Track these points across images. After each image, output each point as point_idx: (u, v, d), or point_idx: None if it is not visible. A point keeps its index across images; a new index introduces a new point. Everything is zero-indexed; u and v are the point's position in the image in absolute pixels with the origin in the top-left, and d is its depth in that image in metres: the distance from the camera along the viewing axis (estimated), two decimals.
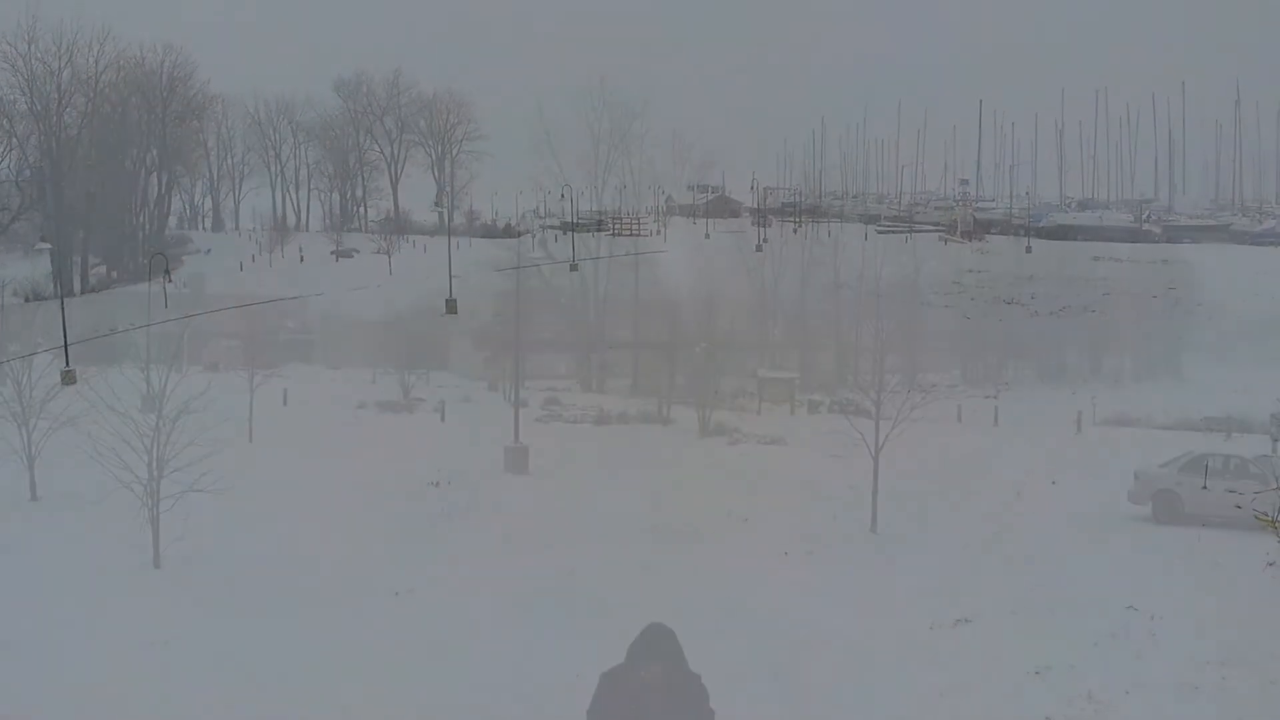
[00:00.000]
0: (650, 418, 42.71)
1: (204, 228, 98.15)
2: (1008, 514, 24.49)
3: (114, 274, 73.08)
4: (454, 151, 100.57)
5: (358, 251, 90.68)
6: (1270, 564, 18.96)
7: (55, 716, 11.17)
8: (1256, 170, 79.56)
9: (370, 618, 14.55)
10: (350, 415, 41.77)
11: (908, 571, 18.32)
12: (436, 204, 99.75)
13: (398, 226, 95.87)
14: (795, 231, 68.23)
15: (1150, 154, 79.31)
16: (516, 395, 33.24)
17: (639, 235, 63.77)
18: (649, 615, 7.22)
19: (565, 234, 60.81)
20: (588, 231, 63.63)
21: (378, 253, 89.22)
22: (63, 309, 24.25)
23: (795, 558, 19.38)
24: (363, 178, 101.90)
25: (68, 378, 22.82)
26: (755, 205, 69.32)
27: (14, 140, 76.78)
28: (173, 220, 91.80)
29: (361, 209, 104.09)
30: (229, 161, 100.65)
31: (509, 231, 61.45)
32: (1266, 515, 21.24)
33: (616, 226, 64.24)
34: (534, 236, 63.10)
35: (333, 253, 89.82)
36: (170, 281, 42.32)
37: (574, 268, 62.35)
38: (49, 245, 63.45)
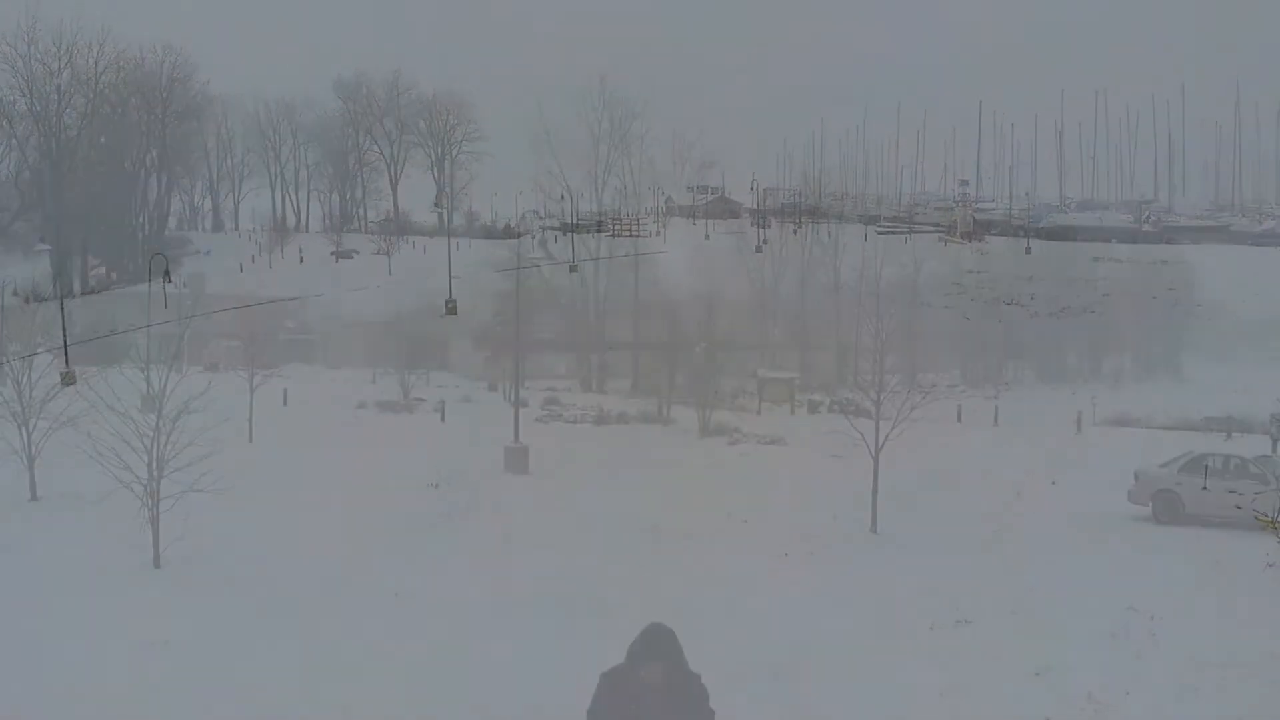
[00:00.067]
0: (650, 418, 42.72)
1: (204, 229, 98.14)
2: (1008, 514, 24.49)
3: (113, 275, 73.11)
4: (454, 152, 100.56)
5: (357, 252, 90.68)
6: (1270, 565, 18.98)
7: (55, 716, 11.17)
8: (1256, 171, 79.43)
9: (370, 618, 14.55)
10: (350, 415, 41.77)
11: (908, 572, 18.31)
12: (436, 205, 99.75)
13: (397, 227, 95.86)
14: (795, 232, 68.25)
15: (1150, 155, 79.14)
16: (516, 395, 33.24)
17: (639, 236, 63.79)
18: (648, 615, 7.22)
19: (565, 234, 60.86)
20: (587, 232, 63.66)
21: (377, 253, 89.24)
22: (62, 310, 24.27)
23: (795, 558, 19.37)
24: (362, 178, 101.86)
25: (67, 378, 22.85)
26: (755, 206, 69.36)
27: (14, 141, 76.81)
28: (172, 221, 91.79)
29: (361, 210, 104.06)
30: (229, 162, 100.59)
31: (509, 232, 61.42)
32: (1266, 516, 21.32)
33: (616, 227, 64.26)
34: (534, 237, 63.13)
35: (332, 253, 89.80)
36: (170, 282, 42.33)
37: (574, 268, 62.41)
38: (49, 246, 63.50)
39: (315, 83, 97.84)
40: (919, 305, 67.46)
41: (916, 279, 69.61)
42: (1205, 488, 24.60)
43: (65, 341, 24.04)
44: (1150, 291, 73.42)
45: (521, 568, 17.61)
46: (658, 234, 64.90)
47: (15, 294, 40.74)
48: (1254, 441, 36.82)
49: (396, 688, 12.05)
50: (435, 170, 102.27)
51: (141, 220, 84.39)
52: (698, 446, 37.19)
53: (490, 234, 69.13)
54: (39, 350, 26.17)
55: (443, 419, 41.15)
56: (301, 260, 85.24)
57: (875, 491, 21.80)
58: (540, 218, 67.15)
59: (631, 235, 63.90)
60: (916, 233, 71.40)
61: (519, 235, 33.44)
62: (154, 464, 17.28)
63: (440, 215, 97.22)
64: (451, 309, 53.78)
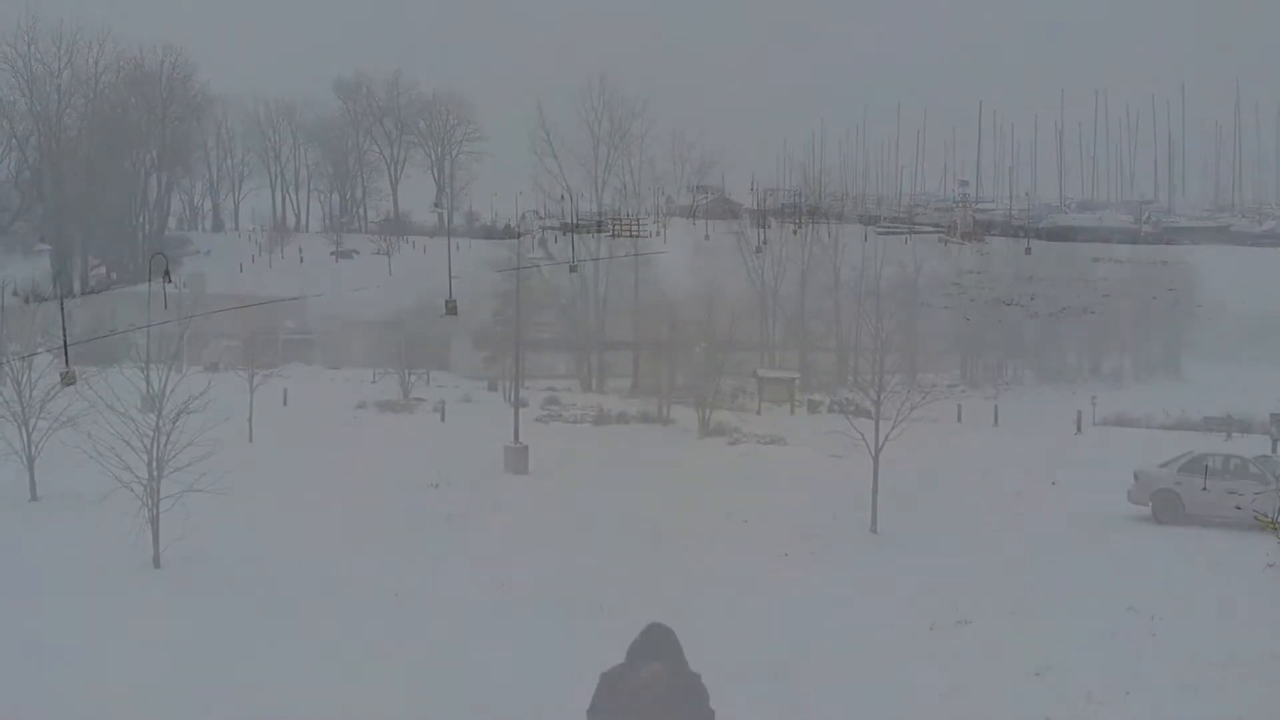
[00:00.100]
0: (650, 418, 42.74)
1: (204, 228, 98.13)
2: (1008, 514, 24.50)
3: (113, 275, 73.09)
4: (454, 152, 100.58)
5: (357, 252, 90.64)
6: (1270, 565, 18.98)
7: (55, 716, 11.16)
8: (1256, 171, 79.35)
9: (370, 618, 14.54)
10: (350, 415, 41.78)
11: (908, 572, 18.31)
12: (436, 205, 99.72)
13: (397, 227, 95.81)
14: (795, 233, 68.23)
15: (1150, 155, 79.10)
16: (516, 395, 33.24)
17: (639, 236, 63.74)
18: (648, 615, 7.22)
19: (565, 235, 60.82)
20: (587, 232, 63.62)
21: (377, 253, 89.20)
22: (62, 310, 24.23)
23: (795, 558, 19.37)
24: (362, 178, 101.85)
25: (67, 378, 22.84)
26: (755, 206, 69.31)
27: (14, 140, 76.81)
28: (172, 221, 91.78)
29: (361, 210, 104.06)
30: (229, 162, 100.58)
31: (509, 232, 61.41)
32: (1266, 516, 21.33)
33: (616, 228, 64.22)
34: (534, 237, 63.09)
35: (332, 253, 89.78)
36: (170, 282, 42.30)
37: (573, 269, 62.40)
38: (49, 246, 63.50)
39: (315, 83, 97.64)
40: (919, 305, 67.49)
41: (916, 279, 69.62)
42: (1205, 488, 24.61)
43: (65, 341, 24.03)
44: (1150, 292, 73.42)
45: (521, 568, 17.61)
46: (658, 234, 64.85)
47: (15, 294, 40.75)
48: (1254, 442, 36.85)
49: (396, 688, 12.05)
50: (435, 170, 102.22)
51: (141, 220, 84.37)
52: (698, 446, 37.19)
53: (490, 234, 69.06)
54: (39, 350, 26.18)
55: (443, 419, 41.16)
56: (301, 260, 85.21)
57: (875, 491, 21.80)
58: (540, 218, 67.10)
59: (631, 236, 63.86)
60: (916, 233, 71.36)
61: (519, 235, 33.36)
62: (154, 464, 17.27)
63: (440, 215, 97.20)
64: (451, 309, 53.77)
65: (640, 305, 60.94)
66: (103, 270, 75.35)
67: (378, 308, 68.30)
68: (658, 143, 66.48)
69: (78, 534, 18.08)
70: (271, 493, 22.92)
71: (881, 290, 66.43)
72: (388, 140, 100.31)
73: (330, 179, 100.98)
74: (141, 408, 20.19)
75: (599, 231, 63.99)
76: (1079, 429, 44.83)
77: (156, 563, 16.89)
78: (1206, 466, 25.03)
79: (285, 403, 39.99)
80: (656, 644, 6.67)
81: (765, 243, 68.04)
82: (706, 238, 66.11)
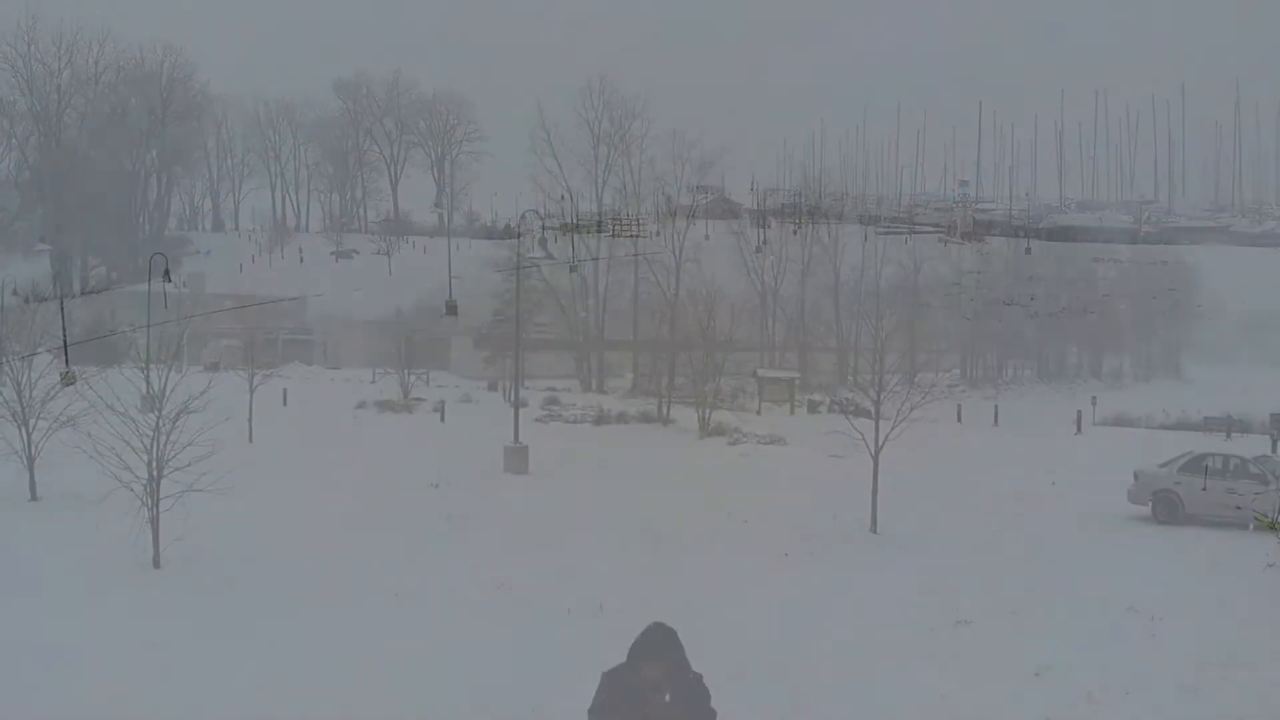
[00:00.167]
0: (650, 418, 42.76)
1: (204, 229, 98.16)
2: (1008, 514, 24.51)
3: (113, 275, 73.14)
4: (454, 152, 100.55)
5: (357, 252, 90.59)
6: (1270, 565, 18.98)
7: (54, 716, 11.16)
8: (1256, 171, 79.33)
9: (370, 618, 14.54)
10: (350, 415, 41.78)
11: (908, 572, 18.30)
12: (436, 205, 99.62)
13: (397, 227, 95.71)
14: (795, 233, 68.25)
15: (1150, 155, 79.10)
16: (516, 395, 33.24)
17: (639, 236, 63.75)
18: (648, 615, 7.21)
19: (565, 235, 60.79)
20: (588, 232, 63.64)
21: (377, 253, 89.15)
22: (62, 310, 24.23)
23: (795, 558, 19.36)
24: (362, 178, 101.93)
25: (67, 378, 22.85)
26: (755, 206, 69.35)
27: (14, 141, 76.83)
28: (172, 221, 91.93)
29: (361, 210, 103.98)
30: (229, 162, 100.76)
31: (509, 232, 61.44)
32: (1266, 516, 21.33)
33: (616, 228, 64.24)
34: (534, 237, 63.20)
35: (332, 253, 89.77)
36: (170, 282, 42.31)
37: (573, 269, 62.40)
38: (48, 246, 63.52)
39: (315, 83, 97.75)
40: (919, 305, 67.52)
41: (916, 279, 69.65)
42: (1205, 488, 24.62)
43: (65, 341, 24.04)
44: (1150, 292, 73.51)
45: (521, 568, 17.60)
46: (658, 234, 64.82)
47: (15, 293, 40.77)
48: (1254, 441, 36.87)
49: (396, 688, 12.05)
50: (435, 170, 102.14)
51: (141, 220, 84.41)
52: (697, 446, 37.21)
53: (490, 234, 69.18)
54: (39, 350, 26.18)
55: (442, 419, 41.16)
56: (301, 260, 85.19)
57: (875, 491, 21.79)
58: (540, 218, 67.27)
59: (631, 236, 63.87)
60: (916, 233, 71.37)
61: (519, 236, 33.40)
62: (154, 464, 17.26)
63: (440, 215, 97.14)
64: (452, 310, 53.82)
65: (640, 305, 60.99)
66: (103, 270, 75.39)
67: (377, 308, 68.27)
68: (658, 142, 66.54)
69: (78, 534, 18.07)
70: (271, 493, 22.93)
71: (881, 290, 66.50)
72: (388, 140, 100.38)
73: (330, 179, 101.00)
74: (141, 408, 20.17)
75: (599, 232, 64.02)
76: (1079, 429, 44.86)
77: (156, 563, 16.89)
78: (1206, 466, 25.04)
79: (285, 403, 40.00)
80: (658, 643, 6.67)
81: (765, 243, 68.06)
82: (707, 238, 66.12)
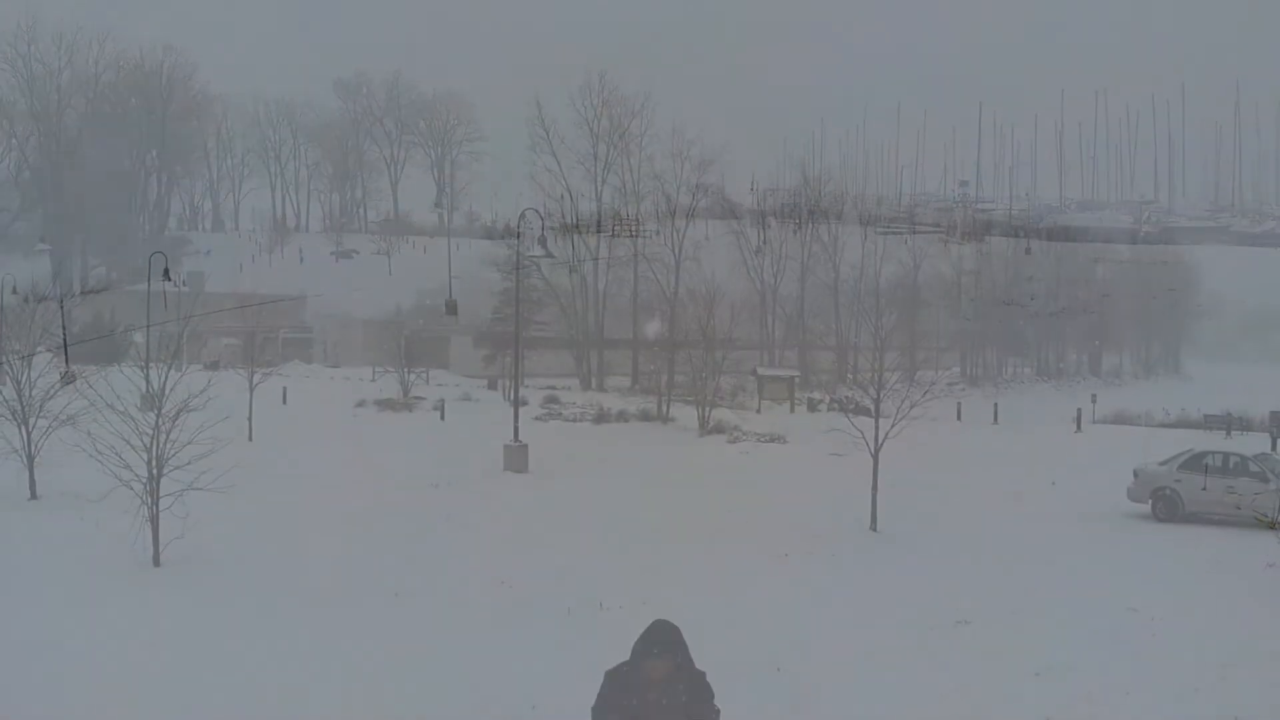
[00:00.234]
0: (650, 416, 42.75)
1: (204, 228, 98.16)
2: (1008, 513, 24.51)
3: (113, 275, 73.17)
4: (453, 152, 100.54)
5: (357, 252, 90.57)
6: (1270, 565, 18.98)
7: (54, 715, 11.15)
8: (1256, 171, 79.39)
9: (370, 617, 14.53)
10: (349, 414, 41.77)
11: (907, 571, 18.30)
12: (436, 205, 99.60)
13: (397, 227, 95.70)
14: (795, 233, 68.24)
15: (1150, 155, 79.18)
16: (516, 394, 33.22)
17: (638, 235, 63.72)
18: (648, 614, 7.21)
19: (565, 234, 60.75)
20: (588, 232, 63.60)
21: (377, 253, 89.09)
22: (62, 309, 24.21)
23: (795, 557, 19.35)
24: (362, 178, 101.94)
25: (67, 377, 22.85)
26: (755, 206, 69.35)
27: (14, 141, 76.84)
28: (172, 221, 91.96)
29: (361, 210, 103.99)
30: (229, 162, 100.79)
31: (509, 232, 61.58)
32: (1266, 516, 21.34)
33: (616, 228, 64.21)
34: (534, 236, 63.19)
35: (332, 253, 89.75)
36: (169, 280, 42.33)
37: (573, 269, 62.38)
38: (48, 246, 63.54)
39: (315, 83, 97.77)
40: (919, 305, 67.55)
41: (916, 278, 69.65)
42: (1205, 488, 24.61)
43: (65, 341, 24.04)
44: (1150, 292, 73.55)
45: (522, 566, 17.60)
46: (657, 233, 64.80)
47: (15, 292, 40.78)
48: (1254, 439, 36.86)
49: (397, 687, 12.04)
50: (435, 170, 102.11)
51: (141, 220, 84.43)
52: (697, 445, 37.23)
53: (490, 234, 69.18)
54: (39, 349, 26.19)
55: (442, 417, 41.15)
56: (301, 260, 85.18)
57: (875, 489, 21.78)
58: (541, 217, 67.30)
59: (631, 236, 63.84)
60: (917, 233, 71.38)
61: (519, 235, 33.45)
62: (154, 462, 17.26)
63: (440, 215, 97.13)
64: (452, 309, 53.78)
65: (640, 303, 61.00)
66: (102, 270, 75.40)
67: (377, 306, 68.21)
68: (657, 140, 66.54)
69: (78, 533, 18.07)
70: (271, 491, 22.93)
71: (881, 289, 66.52)
72: (388, 140, 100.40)
73: (330, 179, 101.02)
74: (141, 406, 20.17)
75: (599, 231, 63.99)
76: (1079, 427, 44.84)
77: (156, 561, 16.88)
78: (1206, 464, 25.04)
79: (285, 401, 39.99)
80: (662, 641, 6.67)
81: (765, 242, 68.05)
82: (706, 238, 66.10)
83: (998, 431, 45.17)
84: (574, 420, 42.56)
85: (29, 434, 22.31)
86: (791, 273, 68.37)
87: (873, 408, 23.30)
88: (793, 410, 49.53)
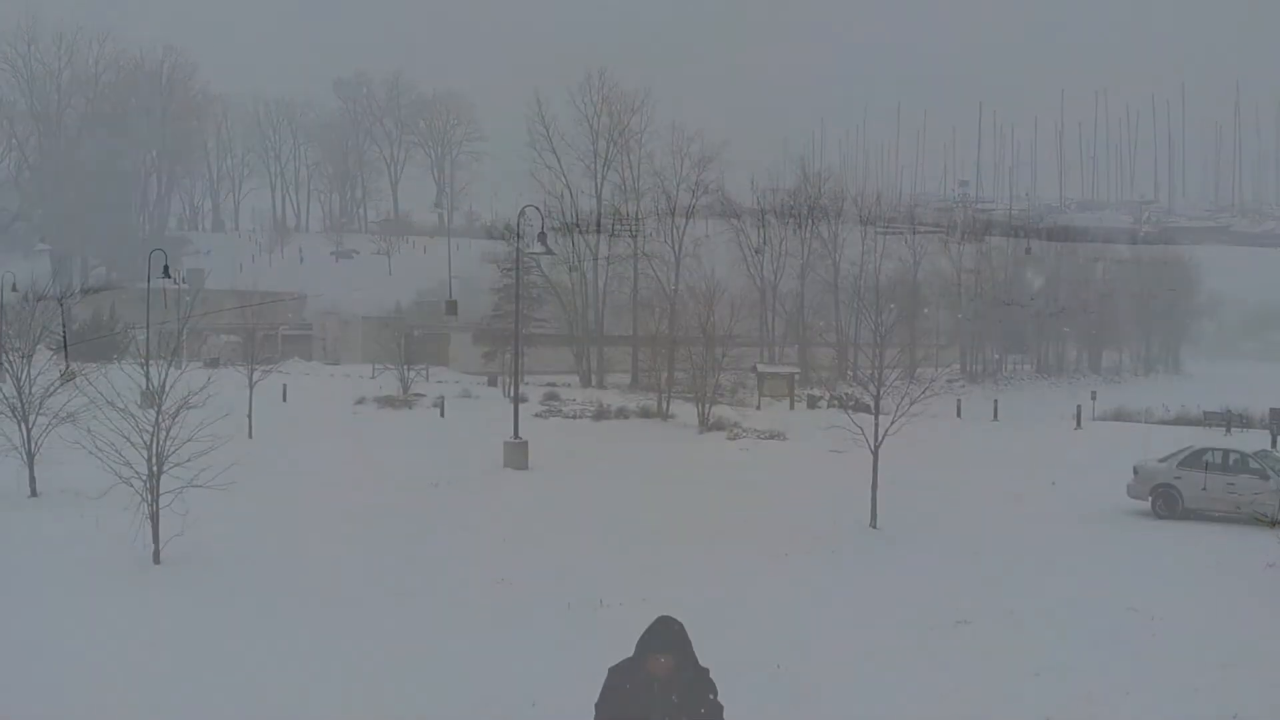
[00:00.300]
0: (649, 413, 42.77)
1: (204, 228, 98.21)
2: (1007, 511, 24.51)
3: (113, 275, 73.25)
4: (453, 152, 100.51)
5: (357, 252, 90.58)
6: (1270, 565, 18.98)
7: (54, 714, 11.14)
8: (1256, 171, 79.54)
9: (370, 616, 14.52)
10: (349, 411, 41.78)
11: (907, 570, 18.28)
12: (436, 205, 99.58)
13: (397, 227, 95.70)
14: (795, 230, 68.28)
15: (1150, 155, 79.33)
16: (516, 391, 33.22)
17: (638, 234, 63.73)
18: (648, 611, 7.21)
19: (565, 233, 60.78)
20: (587, 230, 63.61)
21: (377, 253, 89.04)
22: (62, 308, 24.17)
23: (795, 554, 19.33)
24: (362, 178, 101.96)
25: (67, 375, 22.82)
26: (755, 204, 69.39)
27: (14, 141, 76.81)
28: (172, 221, 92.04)
29: (361, 210, 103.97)
30: (229, 162, 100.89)
31: (509, 232, 61.75)
32: (1266, 516, 21.36)
33: (616, 225, 64.25)
34: (534, 235, 63.30)
35: (332, 253, 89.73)
36: (169, 277, 42.35)
37: (573, 267, 62.38)
38: (48, 246, 63.55)
39: (315, 83, 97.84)
40: (919, 303, 67.61)
41: (916, 276, 69.69)
42: (1204, 488, 24.61)
43: (65, 339, 24.02)
44: (1150, 291, 73.63)
45: (522, 564, 17.58)
46: (657, 231, 64.84)
47: (14, 289, 40.80)
48: (1254, 436, 36.87)
49: (396, 686, 12.03)
50: (435, 170, 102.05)
51: (141, 220, 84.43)
52: (697, 441, 37.24)
53: (491, 234, 69.41)
54: (39, 348, 26.19)
55: (442, 414, 41.15)
56: (301, 260, 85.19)
57: (875, 487, 21.77)
58: (540, 214, 67.51)
59: (631, 233, 63.84)
60: (917, 233, 71.44)
61: (519, 234, 33.46)
62: (154, 459, 17.24)
63: (440, 215, 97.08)
64: (451, 309, 53.79)
65: (640, 301, 61.01)
66: (102, 270, 75.43)
67: (377, 304, 68.15)
68: (657, 137, 66.62)
69: (78, 530, 18.05)
70: (271, 489, 22.93)
71: (881, 286, 66.57)
72: (388, 140, 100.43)
73: (330, 179, 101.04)
74: (141, 403, 20.15)
75: (598, 229, 64.01)
76: (1078, 424, 44.87)
77: (156, 559, 16.87)
78: (1206, 461, 25.04)
79: (285, 399, 39.99)
80: (666, 637, 6.67)
81: (765, 240, 68.09)
82: (706, 236, 66.11)
83: (997, 428, 45.18)
84: (574, 417, 42.57)
85: (29, 431, 22.31)
86: (791, 270, 68.40)
87: (872, 405, 23.30)
88: (792, 407, 49.54)
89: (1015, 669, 13.18)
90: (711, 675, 6.84)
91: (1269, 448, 31.61)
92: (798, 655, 13.23)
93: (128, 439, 17.09)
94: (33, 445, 22.24)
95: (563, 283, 61.97)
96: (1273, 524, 21.37)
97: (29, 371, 23.22)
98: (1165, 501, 24.83)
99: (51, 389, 23.19)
